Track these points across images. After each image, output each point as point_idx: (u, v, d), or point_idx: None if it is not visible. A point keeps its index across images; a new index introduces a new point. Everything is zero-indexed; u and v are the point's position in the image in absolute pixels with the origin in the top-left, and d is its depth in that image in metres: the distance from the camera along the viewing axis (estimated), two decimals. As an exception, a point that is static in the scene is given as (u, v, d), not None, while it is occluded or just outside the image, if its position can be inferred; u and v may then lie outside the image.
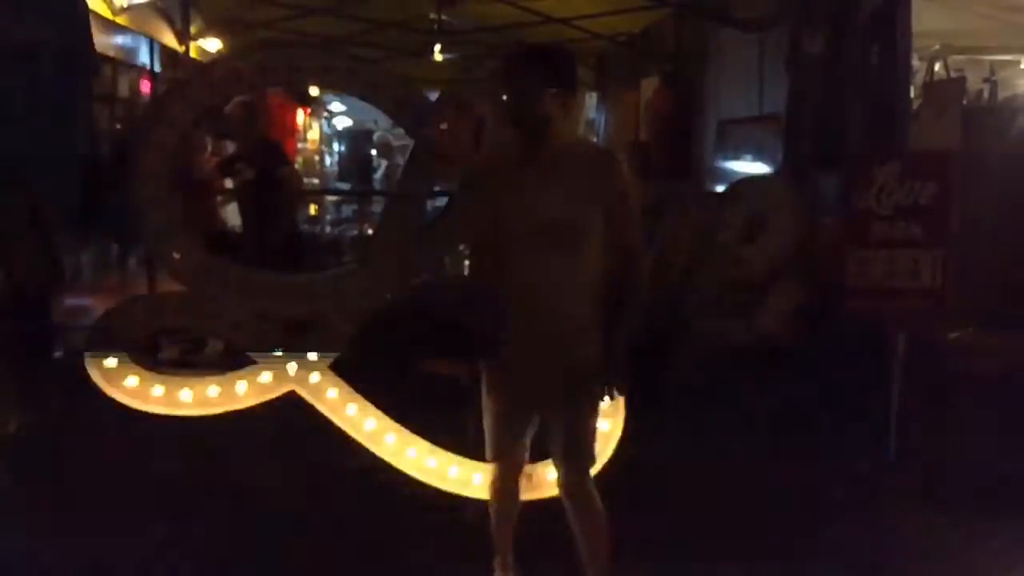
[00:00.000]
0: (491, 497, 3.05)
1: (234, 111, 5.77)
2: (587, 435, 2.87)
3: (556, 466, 2.92)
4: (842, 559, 3.38)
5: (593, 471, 2.94)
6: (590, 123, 11.78)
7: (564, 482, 2.90)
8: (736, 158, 6.73)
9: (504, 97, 2.76)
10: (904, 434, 4.14)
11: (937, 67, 7.13)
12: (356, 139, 13.92)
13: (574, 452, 2.86)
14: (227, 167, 6.16)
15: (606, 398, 2.86)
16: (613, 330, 2.78)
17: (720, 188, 6.08)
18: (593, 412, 2.87)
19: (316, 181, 12.72)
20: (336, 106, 16.17)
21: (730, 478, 3.86)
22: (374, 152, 14.99)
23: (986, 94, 7.24)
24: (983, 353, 4.66)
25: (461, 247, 4.10)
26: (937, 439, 4.16)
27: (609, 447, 3.19)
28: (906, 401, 4.15)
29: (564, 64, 2.78)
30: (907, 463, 4.08)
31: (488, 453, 2.99)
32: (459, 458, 3.35)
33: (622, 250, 2.77)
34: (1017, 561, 3.42)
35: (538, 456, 3.12)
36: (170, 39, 8.50)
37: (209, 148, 6.31)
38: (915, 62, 6.25)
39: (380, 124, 14.90)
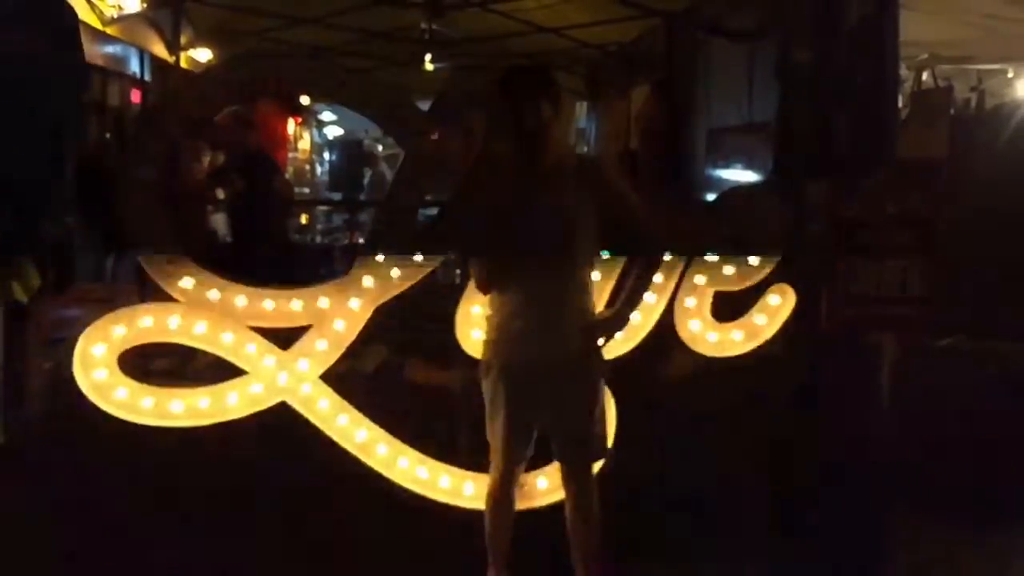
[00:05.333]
0: (488, 505, 3.07)
1: (224, 122, 5.76)
2: (591, 429, 2.94)
3: (561, 461, 2.98)
4: (839, 561, 3.39)
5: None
6: (580, 132, 11.80)
7: (567, 476, 2.99)
8: (726, 167, 6.75)
9: (504, 111, 2.86)
10: (894, 440, 4.15)
11: (925, 76, 7.18)
12: (346, 149, 13.91)
13: (580, 448, 2.93)
14: (218, 178, 6.15)
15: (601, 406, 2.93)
16: (632, 291, 2.97)
17: (710, 197, 6.09)
18: (595, 404, 2.94)
19: (307, 191, 12.69)
20: (327, 116, 16.18)
21: (723, 481, 3.86)
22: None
23: (973, 103, 7.29)
24: (973, 360, 4.67)
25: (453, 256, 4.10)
26: (927, 445, 4.17)
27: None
28: (893, 408, 4.16)
29: (554, 79, 2.94)
30: (897, 468, 4.09)
31: (492, 455, 3.02)
32: (450, 468, 3.35)
33: (642, 234, 2.97)
34: (1012, 566, 3.44)
35: (532, 465, 3.13)
36: (160, 50, 8.49)
37: (207, 159, 6.30)
38: (903, 71, 6.29)
39: (371, 133, 14.90)
